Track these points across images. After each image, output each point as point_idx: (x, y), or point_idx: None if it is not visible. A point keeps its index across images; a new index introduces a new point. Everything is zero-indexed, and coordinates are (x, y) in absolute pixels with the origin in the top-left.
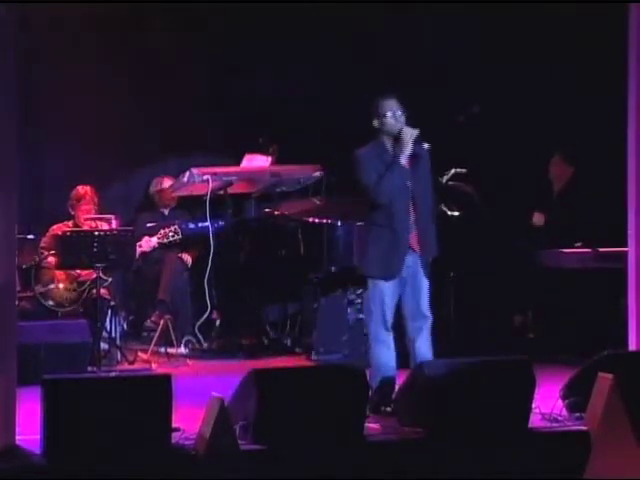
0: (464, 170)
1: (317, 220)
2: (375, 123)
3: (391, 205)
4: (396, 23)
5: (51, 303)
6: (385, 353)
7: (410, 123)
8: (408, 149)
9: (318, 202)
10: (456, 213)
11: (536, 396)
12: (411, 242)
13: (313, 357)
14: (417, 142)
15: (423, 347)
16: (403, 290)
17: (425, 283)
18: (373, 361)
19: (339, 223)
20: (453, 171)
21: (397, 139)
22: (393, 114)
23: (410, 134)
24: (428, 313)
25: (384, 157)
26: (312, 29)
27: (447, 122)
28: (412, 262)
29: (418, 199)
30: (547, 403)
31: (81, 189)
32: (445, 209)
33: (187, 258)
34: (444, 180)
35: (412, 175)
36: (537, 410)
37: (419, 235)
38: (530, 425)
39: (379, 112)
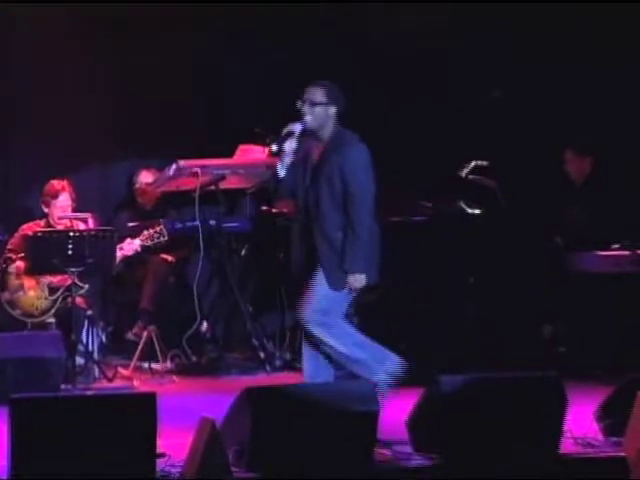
0: (485, 162)
1: None
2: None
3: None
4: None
5: (19, 312)
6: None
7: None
8: None
9: None
10: (477, 211)
11: (568, 418)
12: None
13: None
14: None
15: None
16: None
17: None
18: None
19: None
20: (473, 164)
21: None
22: None
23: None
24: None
25: None
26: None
27: (465, 108)
28: None
29: None
30: (580, 426)
31: (57, 183)
32: (464, 206)
33: (169, 257)
34: (463, 174)
35: None
36: (569, 434)
37: None
38: (562, 450)
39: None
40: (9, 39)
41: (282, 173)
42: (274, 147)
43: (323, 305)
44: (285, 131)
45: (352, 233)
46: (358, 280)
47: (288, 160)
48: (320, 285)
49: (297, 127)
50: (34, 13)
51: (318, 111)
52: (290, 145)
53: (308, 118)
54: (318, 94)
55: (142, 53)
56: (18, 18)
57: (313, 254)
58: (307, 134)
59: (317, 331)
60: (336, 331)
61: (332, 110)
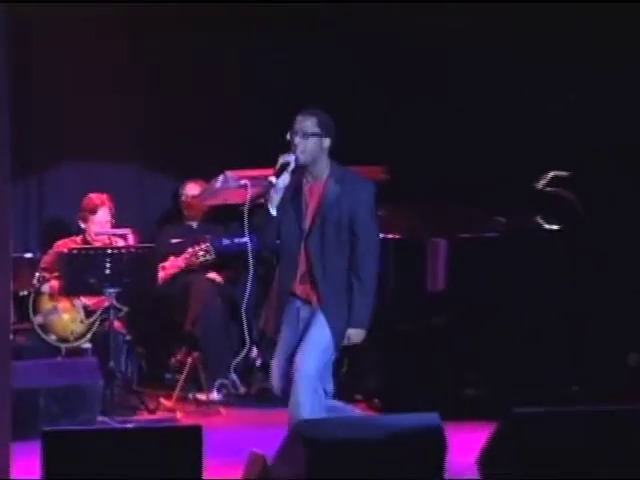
0: (565, 173)
1: (381, 236)
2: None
3: None
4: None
5: (52, 337)
6: None
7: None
8: None
9: (380, 213)
10: (555, 226)
11: None
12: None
13: (376, 405)
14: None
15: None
16: None
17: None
18: None
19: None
20: (551, 175)
21: None
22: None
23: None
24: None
25: None
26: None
27: (538, 114)
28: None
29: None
30: None
31: (96, 198)
32: (541, 221)
33: (217, 278)
34: (540, 186)
35: None
36: None
37: None
38: None
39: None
40: (32, 42)
41: (274, 212)
42: (273, 180)
43: (323, 359)
44: (280, 162)
45: (360, 282)
46: (359, 335)
47: (278, 198)
48: (322, 336)
49: (292, 158)
50: (61, 14)
51: (311, 143)
52: (284, 180)
53: (299, 151)
54: (309, 124)
55: (184, 56)
56: (43, 19)
57: (306, 301)
58: (295, 170)
59: (307, 390)
60: (318, 399)
61: (326, 142)
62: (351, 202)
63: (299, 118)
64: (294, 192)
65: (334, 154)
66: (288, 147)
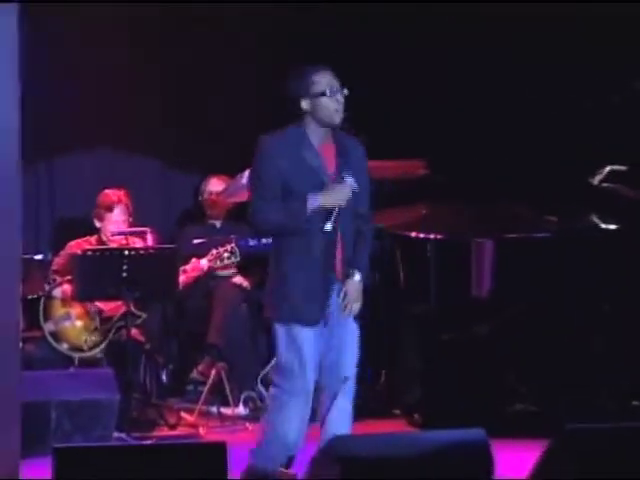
0: (624, 167)
1: (422, 235)
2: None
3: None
4: None
5: (65, 346)
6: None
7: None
8: None
9: (424, 211)
10: (612, 226)
11: None
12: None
13: (416, 420)
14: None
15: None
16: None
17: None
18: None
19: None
20: (608, 169)
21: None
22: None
23: None
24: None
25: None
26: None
27: (598, 104)
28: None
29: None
30: None
31: (112, 194)
32: (598, 221)
33: (244, 282)
34: (596, 181)
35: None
36: None
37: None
38: None
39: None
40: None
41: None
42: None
43: None
44: None
45: (369, 234)
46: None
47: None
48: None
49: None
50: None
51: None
52: None
53: (341, 109)
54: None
55: (203, 52)
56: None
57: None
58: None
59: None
60: None
61: None
62: (358, 158)
63: (331, 73)
64: (301, 157)
65: (374, 147)
66: None
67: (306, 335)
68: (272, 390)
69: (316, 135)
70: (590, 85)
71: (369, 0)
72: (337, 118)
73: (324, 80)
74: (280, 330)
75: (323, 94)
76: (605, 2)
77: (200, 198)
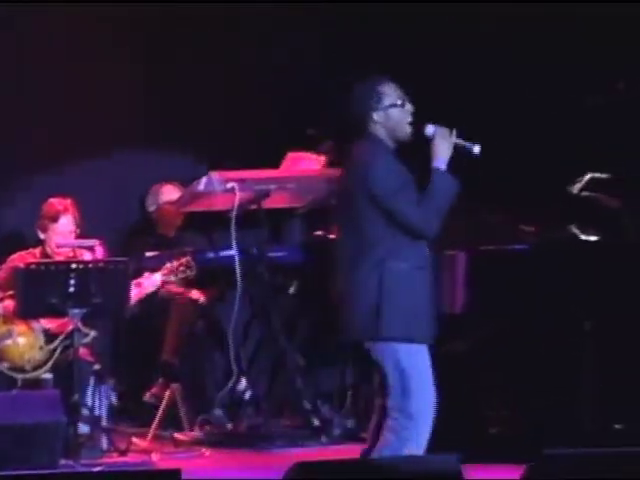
0: (605, 175)
1: None
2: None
3: None
4: None
5: (6, 366)
6: None
7: None
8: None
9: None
10: (593, 237)
11: None
12: None
13: None
14: None
15: None
16: None
17: None
18: None
19: None
20: (589, 177)
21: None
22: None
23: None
24: None
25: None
26: None
27: (578, 106)
28: None
29: None
30: None
31: (58, 203)
32: (577, 231)
33: (200, 297)
34: (576, 190)
35: None
36: None
37: None
38: None
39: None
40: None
41: None
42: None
43: None
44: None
45: None
46: None
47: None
48: None
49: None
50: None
51: None
52: None
53: None
54: None
55: (165, 49)
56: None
57: None
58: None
59: None
60: None
61: None
62: None
63: (395, 84)
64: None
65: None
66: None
67: None
68: None
69: (390, 145)
70: (572, 86)
71: (369, 0)
72: (409, 129)
73: (392, 91)
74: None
75: (394, 105)
76: (605, 2)
77: (152, 208)
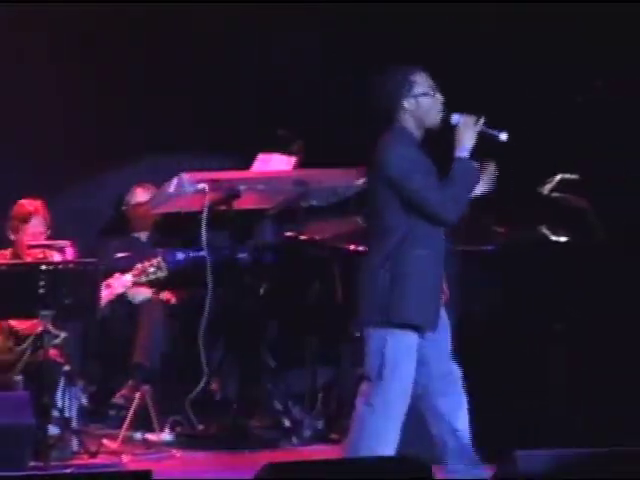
0: (575, 176)
1: (362, 249)
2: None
3: None
4: None
5: None
6: None
7: None
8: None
9: (362, 223)
10: (563, 238)
11: None
12: None
13: None
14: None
15: None
16: None
17: None
18: None
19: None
20: (559, 178)
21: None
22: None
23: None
24: None
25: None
26: None
27: (552, 106)
28: None
29: None
30: None
31: (28, 204)
32: (547, 232)
33: (171, 298)
34: (546, 190)
35: None
36: None
37: None
38: None
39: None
40: None
41: None
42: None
43: None
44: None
45: None
46: None
47: None
48: None
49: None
50: None
51: None
52: None
53: None
54: None
55: (126, 48)
56: None
57: None
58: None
59: None
60: None
61: None
62: None
63: (426, 73)
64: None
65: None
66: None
67: None
68: None
69: (417, 135)
70: (547, 85)
71: (369, 0)
72: (439, 117)
73: (423, 80)
74: None
75: (425, 94)
76: (605, 2)
77: (124, 209)
